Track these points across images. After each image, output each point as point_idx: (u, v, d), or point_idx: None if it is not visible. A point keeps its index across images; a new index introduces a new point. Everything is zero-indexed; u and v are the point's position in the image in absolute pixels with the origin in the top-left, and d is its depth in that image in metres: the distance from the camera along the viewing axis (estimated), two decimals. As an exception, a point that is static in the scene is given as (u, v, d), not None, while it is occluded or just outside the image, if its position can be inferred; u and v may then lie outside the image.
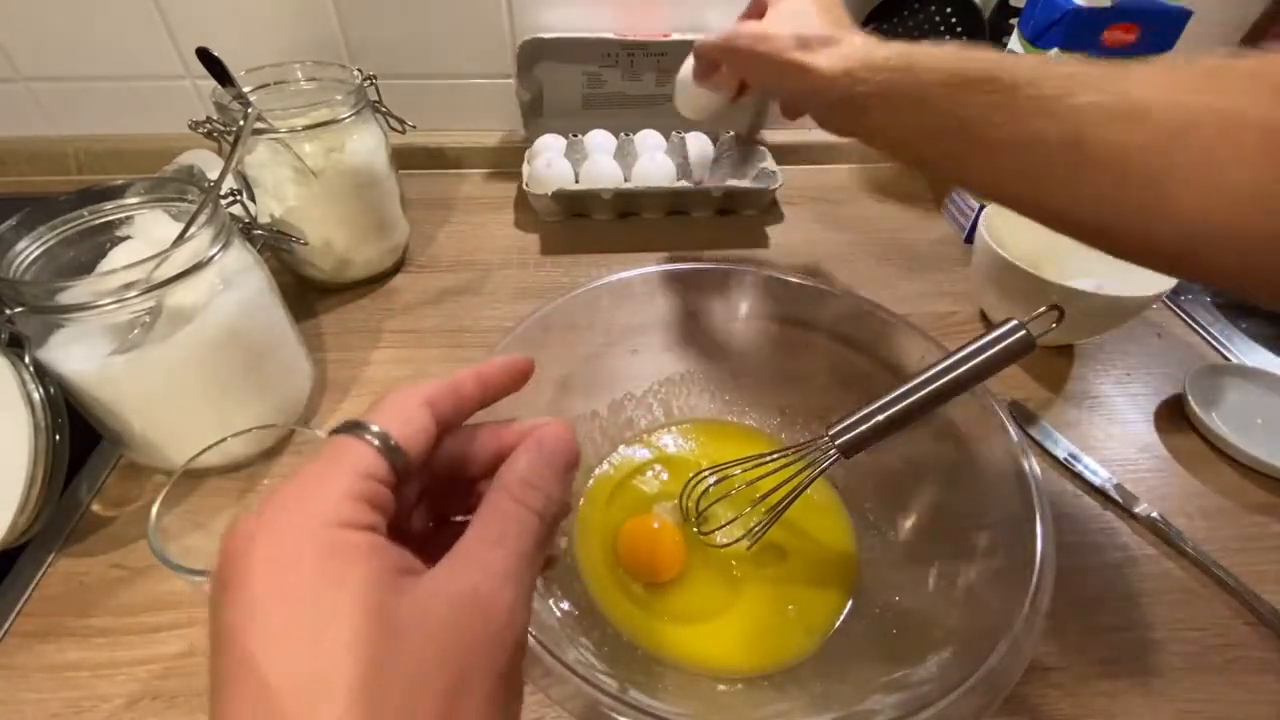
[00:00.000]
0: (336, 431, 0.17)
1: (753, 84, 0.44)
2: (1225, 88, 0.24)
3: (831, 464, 0.33)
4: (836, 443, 0.33)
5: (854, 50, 0.35)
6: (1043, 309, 0.32)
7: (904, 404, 0.32)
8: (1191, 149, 0.24)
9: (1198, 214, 0.24)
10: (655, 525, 0.38)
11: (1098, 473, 0.43)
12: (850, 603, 0.36)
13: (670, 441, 0.44)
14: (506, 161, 0.73)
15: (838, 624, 0.36)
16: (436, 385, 0.19)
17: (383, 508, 0.16)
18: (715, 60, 0.43)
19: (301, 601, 0.14)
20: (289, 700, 0.13)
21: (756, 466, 0.36)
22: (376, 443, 0.17)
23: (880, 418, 0.32)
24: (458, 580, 0.15)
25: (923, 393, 0.32)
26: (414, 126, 0.56)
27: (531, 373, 0.22)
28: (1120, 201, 0.26)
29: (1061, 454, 0.45)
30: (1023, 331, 0.31)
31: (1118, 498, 0.42)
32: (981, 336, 0.32)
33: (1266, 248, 0.23)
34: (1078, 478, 0.44)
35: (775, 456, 0.35)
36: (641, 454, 0.43)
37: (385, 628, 0.14)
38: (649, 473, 0.42)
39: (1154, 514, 0.41)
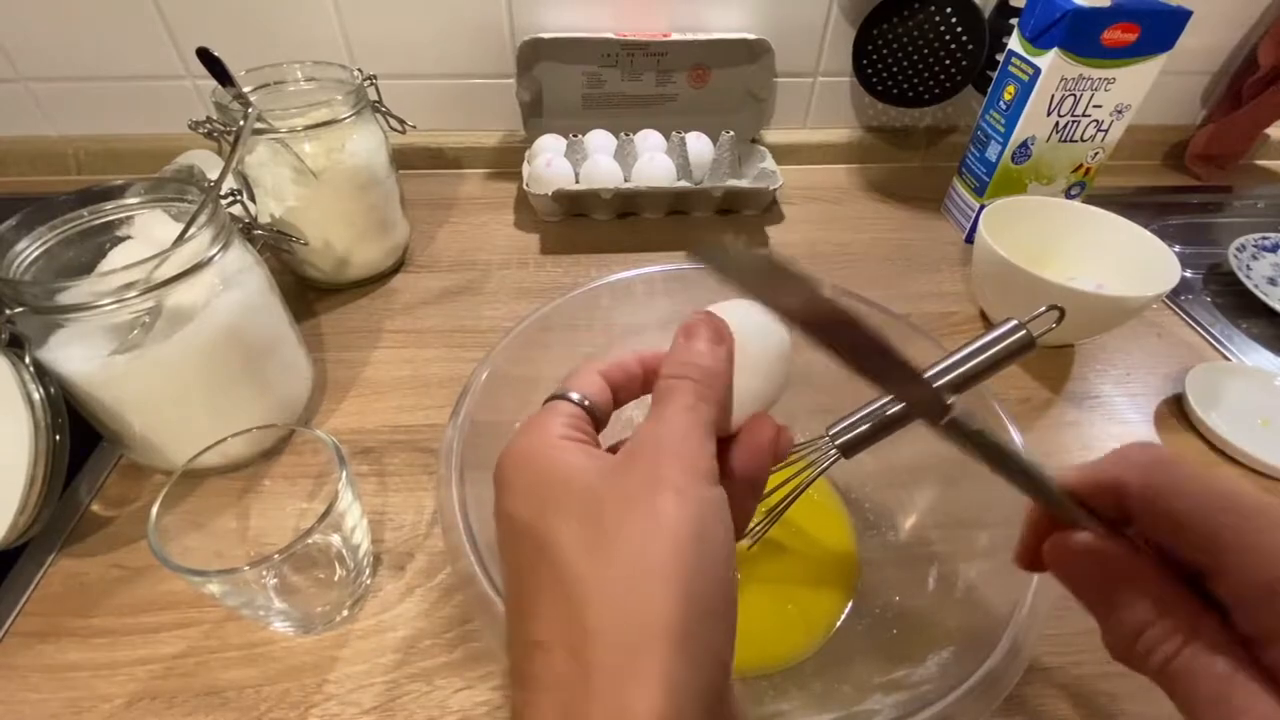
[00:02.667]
0: (548, 400, 0.23)
1: None
2: None
3: (831, 464, 0.33)
4: (836, 443, 0.33)
5: None
6: (1043, 309, 0.32)
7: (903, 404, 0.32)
8: None
9: None
10: None
11: None
12: (851, 603, 0.36)
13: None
14: (506, 161, 0.73)
15: (838, 624, 0.36)
16: (606, 362, 0.24)
17: (586, 433, 0.21)
18: None
19: (535, 478, 0.19)
20: (542, 541, 0.18)
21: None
22: (575, 397, 0.22)
23: (880, 417, 0.32)
24: (634, 439, 0.20)
25: None
26: (414, 126, 0.56)
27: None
28: None
29: None
30: (1023, 332, 0.31)
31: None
32: (981, 336, 0.32)
33: None
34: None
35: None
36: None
37: (586, 479, 0.19)
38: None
39: None
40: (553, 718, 0.16)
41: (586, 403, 0.22)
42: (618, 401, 0.24)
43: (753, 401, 0.23)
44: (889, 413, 0.32)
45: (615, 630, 0.16)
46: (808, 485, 0.34)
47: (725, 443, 0.22)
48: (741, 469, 0.22)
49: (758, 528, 0.37)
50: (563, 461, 0.19)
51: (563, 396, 0.22)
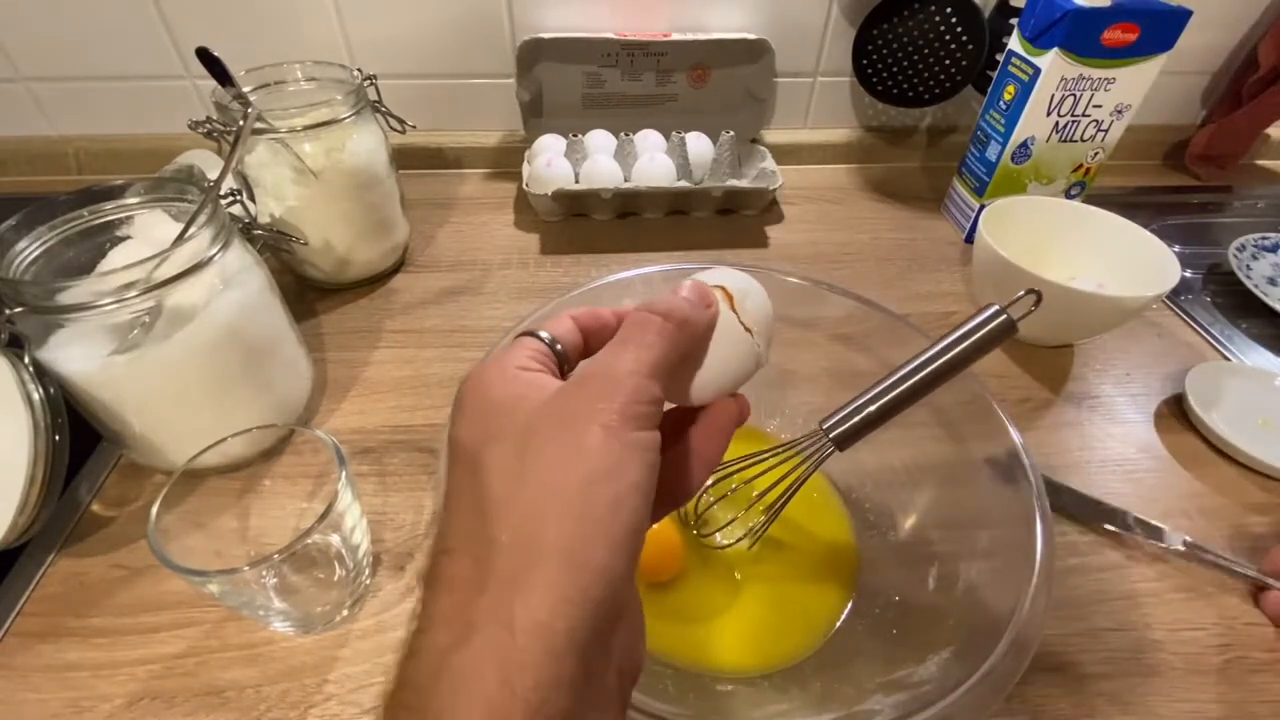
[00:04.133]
0: (522, 335, 0.23)
1: None
2: None
3: (827, 456, 0.33)
4: (830, 435, 0.33)
5: None
6: (1021, 293, 0.32)
7: (894, 392, 0.32)
8: None
9: None
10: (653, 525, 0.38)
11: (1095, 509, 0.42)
12: (851, 602, 0.36)
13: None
14: (506, 161, 0.73)
15: (838, 624, 0.36)
16: (582, 310, 0.24)
17: (546, 369, 0.22)
18: None
19: (492, 406, 0.20)
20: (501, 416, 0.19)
21: (753, 465, 0.36)
22: (543, 336, 0.23)
23: (872, 408, 0.32)
24: (588, 364, 0.21)
25: (912, 380, 0.32)
26: (414, 126, 0.56)
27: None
28: None
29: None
30: (1003, 316, 0.31)
31: (1126, 532, 0.41)
32: (964, 323, 0.32)
33: None
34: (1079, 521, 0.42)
35: (771, 454, 0.35)
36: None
37: (529, 390, 0.20)
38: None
39: (1165, 538, 0.40)
40: (448, 613, 0.17)
41: (557, 345, 0.22)
42: (589, 348, 0.24)
43: (728, 375, 0.24)
44: (881, 403, 0.32)
45: (515, 545, 0.17)
46: (805, 479, 0.34)
47: (691, 413, 0.24)
48: (698, 446, 0.23)
49: (758, 527, 0.37)
50: (512, 392, 0.20)
51: (531, 334, 0.23)
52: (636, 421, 0.19)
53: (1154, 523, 0.41)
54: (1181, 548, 0.40)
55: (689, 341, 0.22)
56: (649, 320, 0.21)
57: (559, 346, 0.22)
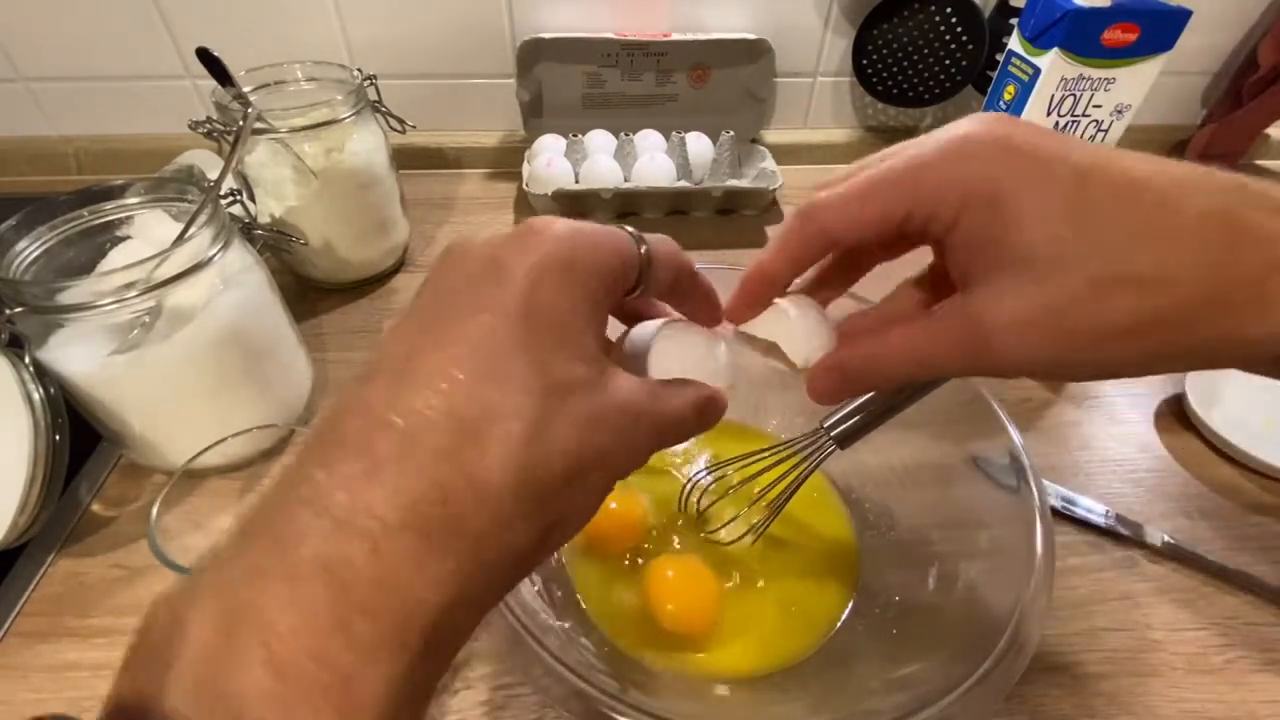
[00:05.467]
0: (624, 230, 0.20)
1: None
2: None
3: (828, 455, 0.33)
4: (831, 434, 0.33)
5: None
6: None
7: (895, 391, 0.32)
8: None
9: None
10: (693, 576, 0.36)
11: (1093, 509, 0.42)
12: (851, 603, 0.36)
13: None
14: (506, 161, 0.73)
15: (839, 623, 0.36)
16: (686, 260, 0.22)
17: (625, 290, 0.19)
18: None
19: (568, 301, 0.17)
20: (510, 361, 0.16)
21: (754, 463, 0.36)
22: (642, 247, 0.19)
23: (873, 407, 0.32)
24: (646, 396, 0.18)
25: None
26: (414, 126, 0.56)
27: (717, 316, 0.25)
28: None
29: (1057, 503, 0.42)
30: None
31: (1124, 530, 0.40)
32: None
33: None
34: (1078, 522, 0.42)
35: (772, 452, 0.35)
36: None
37: (601, 370, 0.17)
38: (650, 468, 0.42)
39: (1163, 539, 0.40)
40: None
41: (645, 249, 0.19)
42: (677, 286, 0.22)
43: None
44: (882, 402, 0.32)
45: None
46: (806, 477, 0.34)
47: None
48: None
49: (759, 524, 0.37)
50: (574, 309, 0.17)
51: (633, 234, 0.20)
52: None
53: (1133, 519, 0.41)
54: (1160, 546, 0.40)
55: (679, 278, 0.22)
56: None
57: (652, 266, 0.20)
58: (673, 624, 0.34)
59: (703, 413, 0.21)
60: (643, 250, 0.19)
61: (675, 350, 0.22)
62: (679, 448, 0.44)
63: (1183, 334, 0.18)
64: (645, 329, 0.23)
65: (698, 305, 0.24)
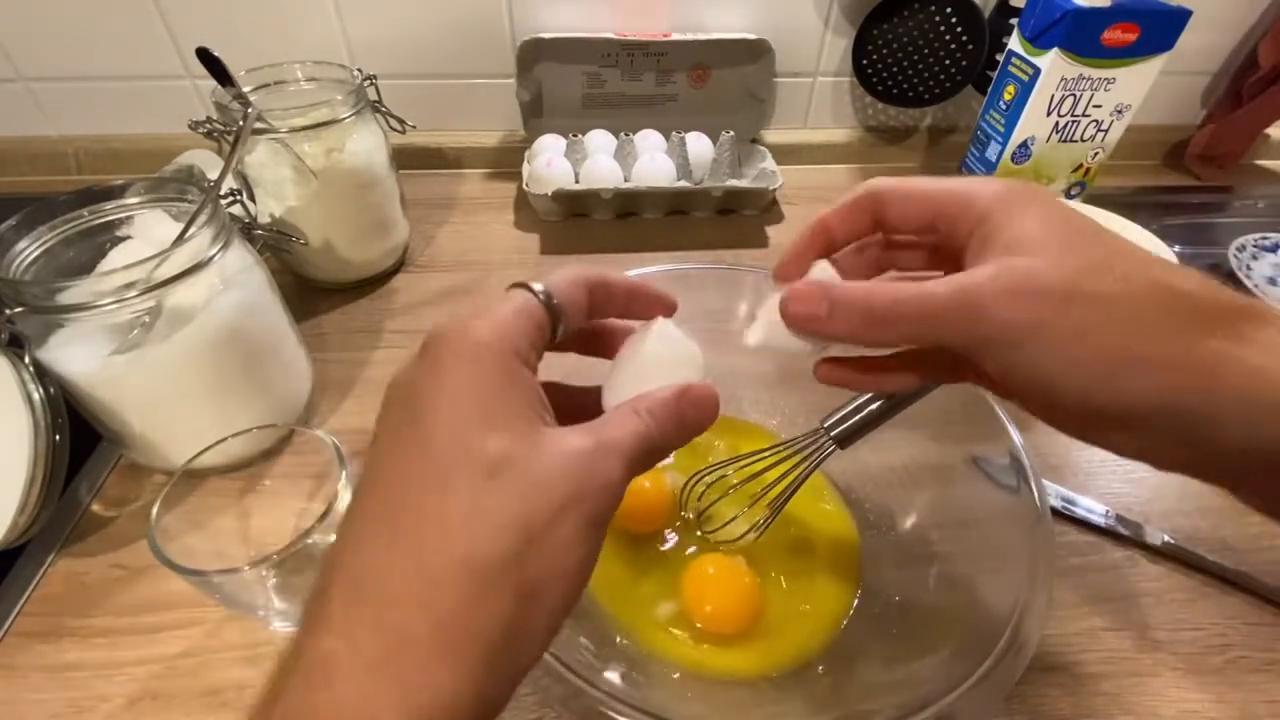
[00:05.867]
0: (514, 286, 0.20)
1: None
2: None
3: (828, 455, 0.33)
4: (832, 434, 0.33)
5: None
6: None
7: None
8: None
9: None
10: (743, 577, 0.36)
11: (1093, 509, 0.42)
12: (855, 604, 0.36)
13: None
14: (506, 161, 0.73)
15: (843, 623, 0.36)
16: (592, 272, 0.22)
17: (539, 352, 0.20)
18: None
19: (475, 396, 0.18)
20: (443, 454, 0.17)
21: (755, 462, 0.36)
22: (545, 300, 0.20)
23: (873, 406, 0.32)
24: (589, 436, 0.19)
25: None
26: (414, 126, 0.56)
27: (672, 309, 0.25)
28: None
29: (1057, 503, 0.42)
30: None
31: (1124, 530, 0.41)
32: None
33: None
34: (1078, 522, 0.42)
35: (772, 452, 0.35)
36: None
37: (530, 437, 0.18)
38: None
39: (1163, 539, 0.40)
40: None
41: (555, 302, 0.20)
42: (594, 311, 0.22)
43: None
44: (882, 402, 0.32)
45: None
46: (806, 477, 0.34)
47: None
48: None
49: (761, 522, 0.37)
50: (501, 389, 0.18)
51: (533, 290, 0.20)
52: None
53: (1133, 519, 0.41)
54: (1161, 545, 0.40)
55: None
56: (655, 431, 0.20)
57: (555, 301, 0.20)
58: (711, 624, 0.35)
59: (679, 416, 0.21)
60: (555, 303, 0.20)
61: (629, 375, 0.22)
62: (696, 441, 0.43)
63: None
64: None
65: (641, 308, 0.24)
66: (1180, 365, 0.19)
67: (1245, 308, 0.19)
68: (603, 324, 0.25)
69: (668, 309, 0.24)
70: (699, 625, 0.35)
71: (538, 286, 0.20)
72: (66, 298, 0.33)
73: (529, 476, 0.17)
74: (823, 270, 0.25)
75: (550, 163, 0.64)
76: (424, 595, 0.16)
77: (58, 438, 0.36)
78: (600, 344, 0.25)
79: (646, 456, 0.20)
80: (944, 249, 0.24)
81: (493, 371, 0.18)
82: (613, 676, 0.29)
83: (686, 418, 0.21)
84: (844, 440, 0.33)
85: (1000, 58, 0.61)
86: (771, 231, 0.67)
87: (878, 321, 0.21)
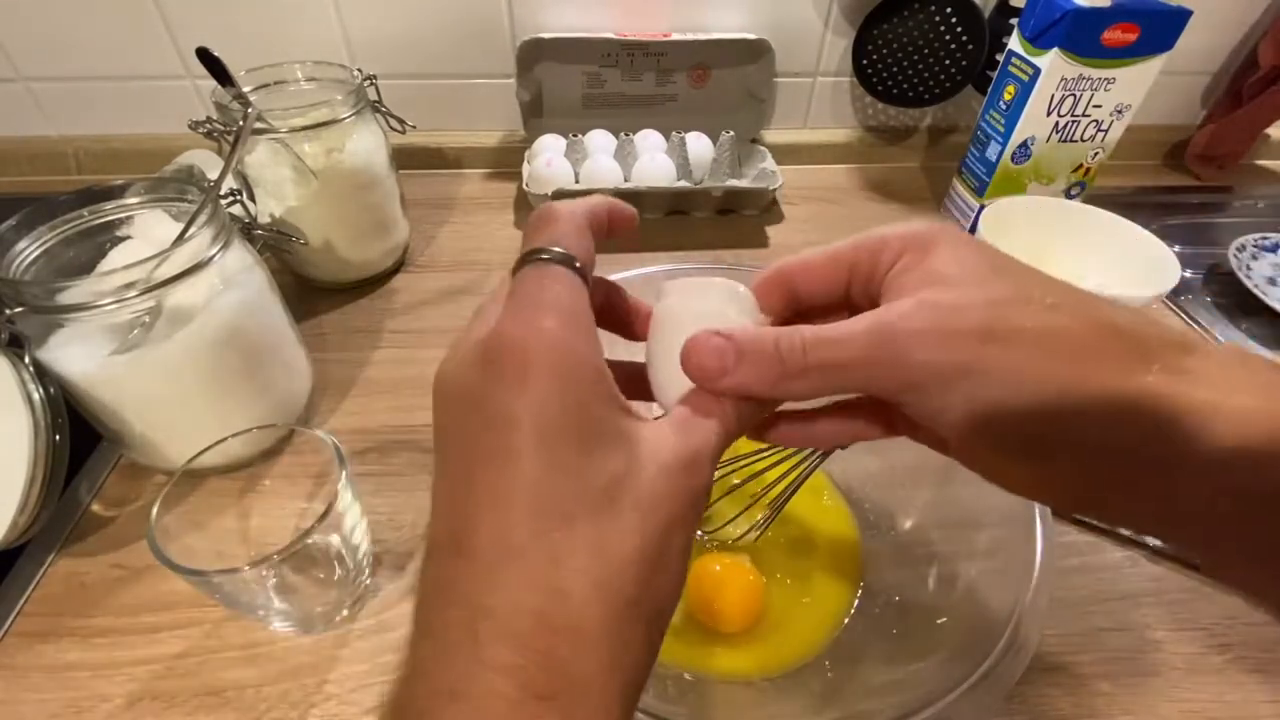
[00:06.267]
0: (537, 260, 0.19)
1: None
2: None
3: (828, 455, 0.33)
4: None
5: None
6: None
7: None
8: None
9: None
10: (748, 575, 0.36)
11: None
12: (855, 604, 0.36)
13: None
14: (506, 161, 0.73)
15: (844, 623, 0.36)
16: (589, 209, 0.21)
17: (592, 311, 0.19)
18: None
19: (573, 413, 0.16)
20: (557, 485, 0.16)
21: (755, 462, 0.36)
22: (582, 272, 0.19)
23: None
24: (685, 441, 0.18)
25: None
26: (414, 126, 0.56)
27: (634, 223, 0.24)
28: None
29: None
30: None
31: (1124, 531, 0.40)
32: None
33: None
34: (1079, 522, 0.41)
35: (773, 451, 0.35)
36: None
37: (629, 448, 0.17)
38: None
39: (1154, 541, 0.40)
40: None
41: (582, 266, 0.19)
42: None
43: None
44: None
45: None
46: (807, 477, 0.34)
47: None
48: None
49: (762, 521, 0.37)
50: (598, 409, 0.17)
51: (564, 260, 0.19)
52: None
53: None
54: (1161, 546, 0.40)
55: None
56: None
57: (582, 266, 0.19)
58: (716, 622, 0.35)
59: (739, 409, 0.20)
60: (576, 263, 0.19)
61: (674, 331, 0.20)
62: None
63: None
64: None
65: (616, 226, 0.23)
66: (1125, 400, 0.17)
67: (1180, 341, 0.18)
68: (613, 301, 0.24)
69: (632, 218, 0.24)
70: (706, 623, 0.35)
71: (558, 250, 0.19)
72: (66, 298, 0.33)
73: (641, 500, 0.17)
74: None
75: (550, 163, 0.64)
76: (575, 637, 0.15)
77: (58, 438, 0.36)
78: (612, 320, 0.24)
79: (729, 441, 0.19)
80: (862, 309, 0.20)
81: (582, 384, 0.17)
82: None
83: (791, 369, 0.19)
84: None
85: (1000, 58, 0.61)
86: (771, 231, 0.67)
87: (791, 372, 0.19)
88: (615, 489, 0.16)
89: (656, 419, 0.19)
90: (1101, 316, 0.18)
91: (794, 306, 0.23)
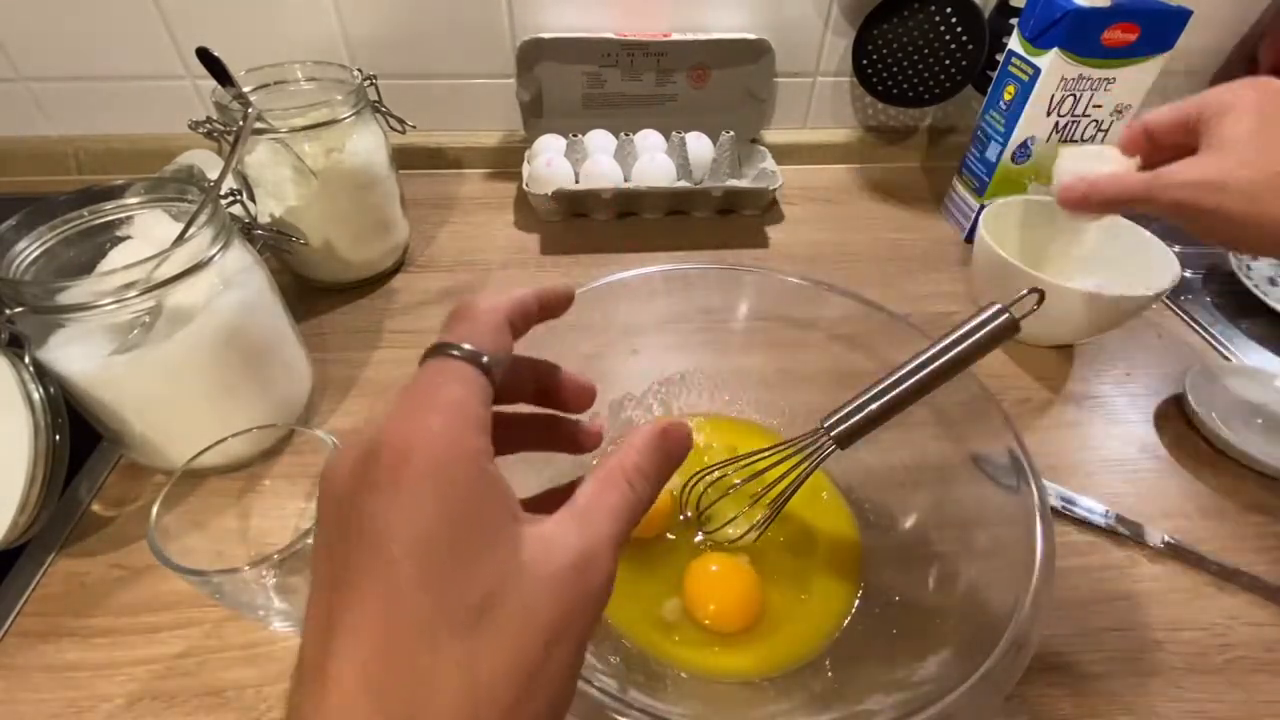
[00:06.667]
0: (441, 353, 0.18)
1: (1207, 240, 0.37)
2: None
3: (828, 455, 0.33)
4: (831, 434, 0.33)
5: None
6: (1024, 292, 0.32)
7: (895, 391, 0.32)
8: None
9: None
10: (739, 575, 0.36)
11: (1093, 509, 0.42)
12: (855, 604, 0.36)
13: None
14: (506, 161, 0.73)
15: (845, 623, 0.36)
16: (510, 303, 0.20)
17: (489, 424, 0.18)
18: (1128, 204, 0.39)
19: (447, 523, 0.15)
20: (423, 604, 0.15)
21: (755, 462, 0.36)
22: (490, 370, 0.18)
23: (873, 406, 0.32)
24: (578, 537, 0.17)
25: (913, 379, 0.32)
26: (414, 126, 0.56)
27: (571, 302, 0.23)
28: None
29: (1057, 503, 0.42)
30: (1005, 315, 0.31)
31: (1123, 530, 0.41)
32: (966, 321, 0.32)
33: None
34: (1078, 522, 0.42)
35: (773, 451, 0.35)
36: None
37: (511, 559, 0.16)
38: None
39: (1163, 539, 0.40)
40: None
41: (495, 369, 0.18)
42: (516, 336, 0.21)
43: None
44: (882, 402, 0.32)
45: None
46: (807, 476, 0.34)
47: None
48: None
49: (761, 521, 0.37)
50: (478, 508, 0.16)
51: (474, 356, 0.18)
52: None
53: (1133, 519, 0.41)
54: (1161, 546, 0.40)
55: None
56: (621, 487, 0.18)
57: (491, 361, 0.18)
58: (716, 622, 0.35)
59: (666, 456, 0.20)
60: (492, 364, 0.18)
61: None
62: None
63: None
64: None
65: (552, 310, 0.22)
66: None
67: None
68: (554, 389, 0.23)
69: (566, 299, 0.23)
70: (704, 623, 0.35)
71: (467, 348, 0.18)
72: (66, 298, 0.33)
73: (516, 614, 0.15)
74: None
75: (550, 163, 0.64)
76: None
77: (58, 438, 0.36)
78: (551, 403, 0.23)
79: (634, 524, 0.18)
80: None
81: (462, 488, 0.16)
82: (613, 677, 0.29)
83: (673, 456, 0.20)
84: (844, 440, 0.33)
85: (1000, 58, 0.61)
86: (771, 231, 0.67)
87: (1109, 200, 0.38)
88: (490, 602, 0.15)
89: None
90: None
91: (1151, 149, 0.39)
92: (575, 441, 0.24)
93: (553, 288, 0.22)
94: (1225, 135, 0.34)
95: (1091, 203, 0.39)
